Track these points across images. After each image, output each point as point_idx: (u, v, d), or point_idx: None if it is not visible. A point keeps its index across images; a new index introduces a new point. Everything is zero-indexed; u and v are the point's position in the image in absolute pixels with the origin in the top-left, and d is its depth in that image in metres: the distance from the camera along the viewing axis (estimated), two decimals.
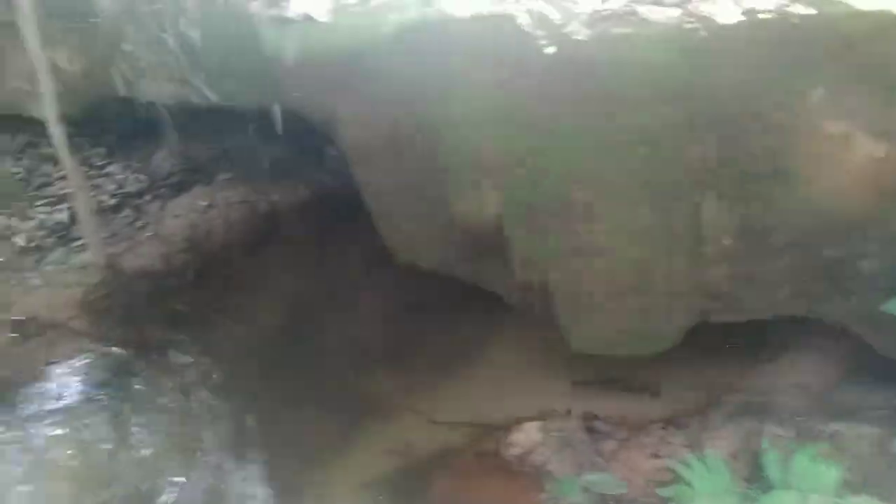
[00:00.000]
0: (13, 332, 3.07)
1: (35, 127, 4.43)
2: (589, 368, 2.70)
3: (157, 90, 3.44)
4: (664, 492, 1.83)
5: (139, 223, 3.69)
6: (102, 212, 3.74)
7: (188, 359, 3.15)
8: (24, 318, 3.10)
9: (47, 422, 2.83)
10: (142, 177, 4.03)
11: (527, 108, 1.89)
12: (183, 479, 2.61)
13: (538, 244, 2.09)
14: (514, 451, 2.40)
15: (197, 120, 3.70)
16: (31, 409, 2.88)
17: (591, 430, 2.39)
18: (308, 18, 2.29)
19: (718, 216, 1.91)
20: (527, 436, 2.41)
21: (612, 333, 2.21)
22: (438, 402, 2.83)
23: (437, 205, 2.41)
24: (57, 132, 2.96)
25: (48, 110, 2.90)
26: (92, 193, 3.88)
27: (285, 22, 2.31)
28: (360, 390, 3.02)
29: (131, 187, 3.95)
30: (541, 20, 1.94)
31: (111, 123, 4.00)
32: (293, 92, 2.39)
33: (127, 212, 3.74)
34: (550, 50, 1.88)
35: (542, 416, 2.50)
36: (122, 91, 3.68)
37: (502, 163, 2.00)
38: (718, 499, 1.54)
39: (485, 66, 1.97)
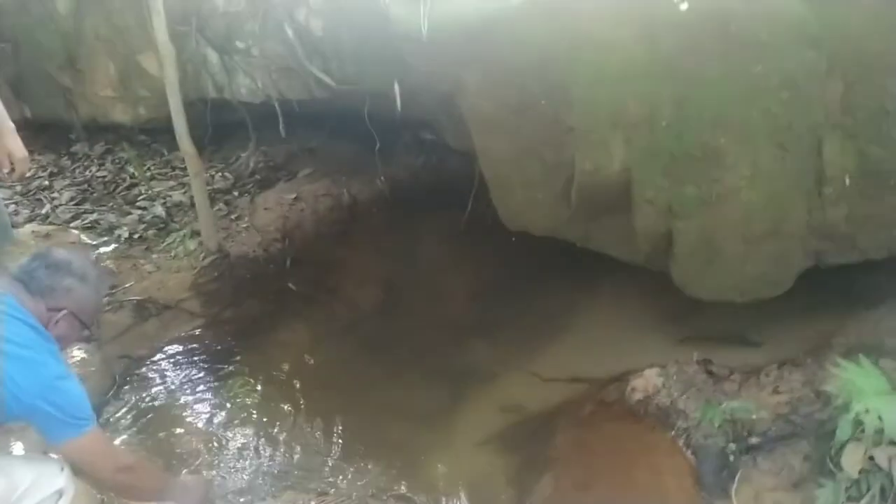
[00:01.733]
0: (132, 314, 3.22)
1: (108, 135, 4.69)
2: (691, 324, 2.85)
3: (253, 87, 3.67)
4: (828, 387, 1.96)
5: (233, 216, 3.87)
6: (194, 207, 3.93)
7: (294, 335, 3.29)
8: (141, 299, 3.25)
9: (163, 397, 2.97)
10: (228, 175, 4.23)
11: (670, 61, 2.06)
12: (289, 444, 2.70)
13: (673, 194, 2.24)
14: (637, 395, 2.52)
15: (275, 122, 3.89)
16: (149, 384, 3.02)
17: (709, 374, 2.53)
18: None
19: (843, 157, 2.07)
20: (647, 381, 2.54)
21: (741, 279, 2.32)
22: (544, 362, 2.95)
23: (555, 168, 2.58)
24: (181, 129, 3.11)
25: (175, 114, 3.04)
26: (183, 191, 4.09)
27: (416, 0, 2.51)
28: (461, 359, 3.14)
29: (219, 184, 4.15)
30: None
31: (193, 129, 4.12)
32: (421, 67, 2.57)
33: (220, 206, 3.92)
34: (684, 6, 2.07)
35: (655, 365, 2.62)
36: (212, 93, 3.92)
37: (640, 115, 2.17)
38: (882, 397, 1.66)
39: (619, 26, 2.16)
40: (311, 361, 3.18)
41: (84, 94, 4.26)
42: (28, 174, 3.39)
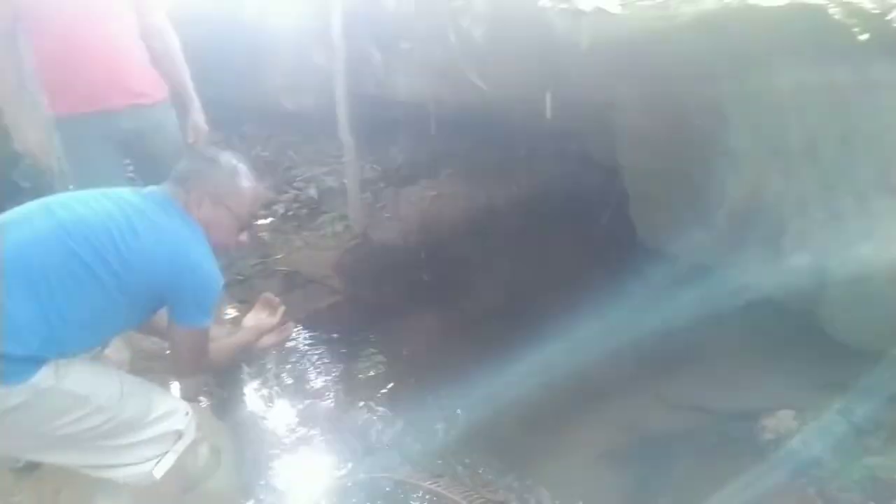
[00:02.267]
0: (281, 283, 3.51)
1: (275, 119, 5.10)
2: (834, 370, 2.67)
3: (410, 87, 3.85)
4: None
5: (378, 205, 4.09)
6: (345, 192, 4.20)
7: (423, 323, 3.43)
8: (289, 270, 3.53)
9: (299, 359, 3.20)
10: (377, 167, 4.47)
11: (841, 92, 1.97)
12: (406, 424, 2.80)
13: (831, 230, 2.13)
14: (768, 435, 2.41)
15: (425, 121, 4.07)
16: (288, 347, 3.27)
17: (851, 425, 2.36)
18: (600, 11, 2.51)
19: None
20: (780, 422, 2.42)
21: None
22: (669, 387, 2.87)
23: (704, 190, 2.52)
24: (344, 121, 3.33)
25: (340, 106, 3.27)
26: (334, 177, 4.38)
27: (579, 14, 2.54)
28: (583, 371, 3.11)
29: (368, 175, 4.39)
30: (853, 11, 2.03)
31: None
32: (576, 78, 2.61)
33: (367, 194, 4.15)
34: (864, 37, 1.96)
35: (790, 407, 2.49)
36: (372, 89, 4.15)
37: (803, 146, 2.08)
38: None
39: (788, 51, 2.08)
40: (436, 351, 3.28)
41: (256, 83, 4.66)
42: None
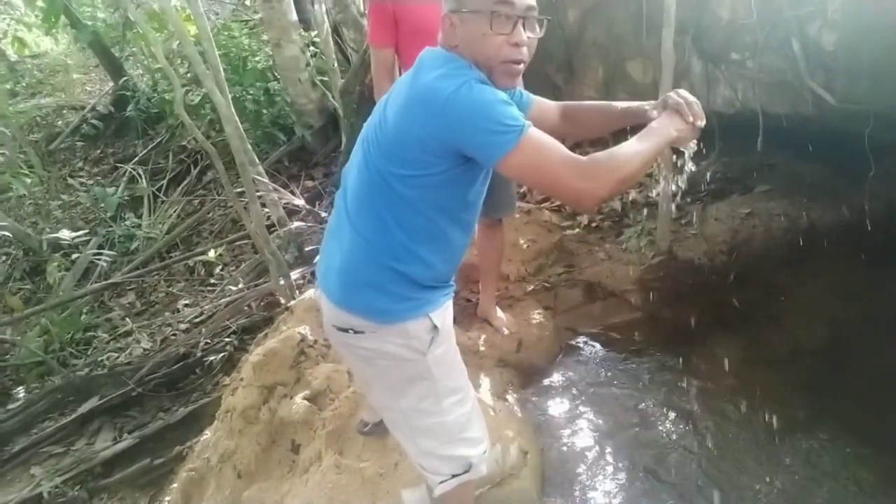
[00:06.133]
0: (583, 293, 3.59)
1: None
2: None
3: (731, 98, 3.65)
4: None
5: (683, 221, 3.95)
6: (648, 206, 4.14)
7: (726, 352, 3.23)
8: (591, 281, 3.60)
9: (596, 372, 3.25)
10: (681, 179, 4.32)
11: None
12: (699, 456, 2.69)
13: None
14: None
15: (738, 134, 3.80)
16: (587, 358, 3.34)
17: None
18: None
19: None
20: None
21: None
22: None
23: None
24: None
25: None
26: (638, 190, 4.34)
27: None
28: None
29: (672, 188, 4.26)
30: None
31: None
32: None
33: (671, 209, 4.03)
34: None
35: None
36: None
37: None
38: None
39: None
40: (738, 384, 3.07)
41: (571, 93, 4.81)
42: None
